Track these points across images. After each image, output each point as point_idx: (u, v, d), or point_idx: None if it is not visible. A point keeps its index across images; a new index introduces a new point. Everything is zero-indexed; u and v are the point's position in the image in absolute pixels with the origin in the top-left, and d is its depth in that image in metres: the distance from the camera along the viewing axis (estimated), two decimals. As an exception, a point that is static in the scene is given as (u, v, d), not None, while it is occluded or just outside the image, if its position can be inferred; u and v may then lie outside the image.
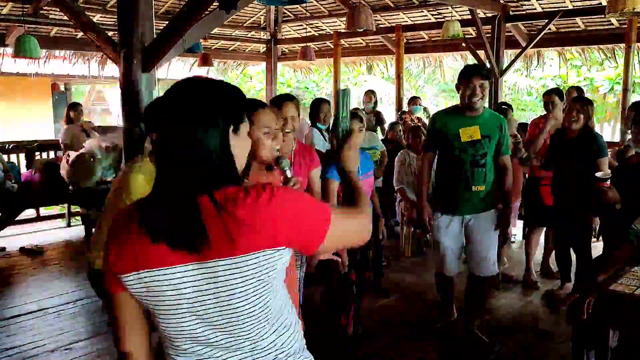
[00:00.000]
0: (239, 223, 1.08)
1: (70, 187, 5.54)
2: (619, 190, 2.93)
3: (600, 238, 4.22)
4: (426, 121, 6.75)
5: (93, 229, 3.72)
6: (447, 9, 7.60)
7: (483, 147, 3.24)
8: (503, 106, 5.48)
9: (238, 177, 1.19)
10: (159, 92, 3.86)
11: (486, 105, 3.36)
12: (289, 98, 2.79)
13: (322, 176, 2.92)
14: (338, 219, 1.20)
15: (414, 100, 7.71)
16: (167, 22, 3.66)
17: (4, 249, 5.73)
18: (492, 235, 3.39)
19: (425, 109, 7.60)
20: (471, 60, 9.08)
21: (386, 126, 7.02)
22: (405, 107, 8.26)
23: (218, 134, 1.14)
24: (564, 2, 6.91)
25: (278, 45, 10.50)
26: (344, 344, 3.35)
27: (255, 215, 1.09)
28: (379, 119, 7.36)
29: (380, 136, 7.23)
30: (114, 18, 7.42)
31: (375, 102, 7.59)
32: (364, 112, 7.72)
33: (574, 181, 3.79)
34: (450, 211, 3.36)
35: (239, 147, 1.20)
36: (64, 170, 5.49)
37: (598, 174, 3.12)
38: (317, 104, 4.93)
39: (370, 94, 7.75)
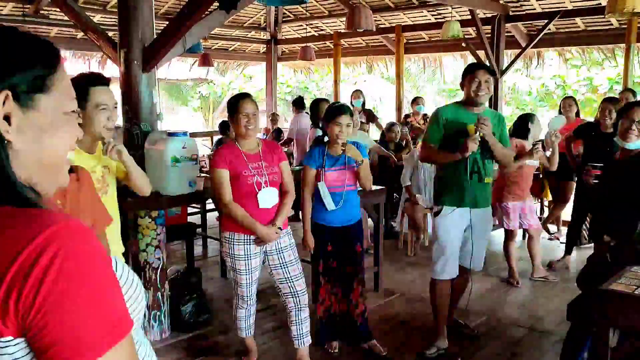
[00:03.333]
0: None
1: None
2: (617, 190, 2.92)
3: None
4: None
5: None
6: (447, 9, 7.60)
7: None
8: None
9: (15, 190, 0.74)
10: (159, 92, 3.87)
11: (486, 104, 3.36)
12: (247, 95, 3.04)
13: (302, 163, 3.43)
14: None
15: (416, 101, 7.72)
16: (167, 22, 3.66)
17: None
18: (489, 231, 3.55)
19: (424, 116, 7.58)
20: (471, 60, 9.08)
21: (381, 122, 7.02)
22: (406, 109, 8.27)
23: None
24: (564, 2, 6.91)
25: (278, 46, 10.50)
26: (317, 329, 3.44)
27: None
28: (370, 116, 7.34)
29: (375, 133, 7.23)
30: (114, 18, 7.42)
31: (364, 102, 7.52)
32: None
33: None
34: (456, 203, 3.25)
35: (31, 130, 0.76)
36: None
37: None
38: (317, 104, 5.01)
39: (357, 93, 7.71)
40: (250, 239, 2.98)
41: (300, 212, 3.48)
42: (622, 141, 2.87)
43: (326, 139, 3.29)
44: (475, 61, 8.04)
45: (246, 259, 2.99)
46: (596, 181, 4.28)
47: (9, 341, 0.68)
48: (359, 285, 3.46)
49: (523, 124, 4.68)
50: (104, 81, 2.31)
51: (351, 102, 7.13)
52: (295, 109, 7.28)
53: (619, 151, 2.96)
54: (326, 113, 3.31)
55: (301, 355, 3.18)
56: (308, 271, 3.82)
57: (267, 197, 2.98)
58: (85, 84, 2.23)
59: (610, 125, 4.49)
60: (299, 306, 3.10)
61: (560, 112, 6.17)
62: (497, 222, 4.74)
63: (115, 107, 2.33)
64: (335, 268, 3.39)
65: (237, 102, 2.95)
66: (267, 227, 2.95)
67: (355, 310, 3.46)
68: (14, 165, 0.75)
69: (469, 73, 3.21)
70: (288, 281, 3.08)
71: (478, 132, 3.06)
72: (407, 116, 7.69)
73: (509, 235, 4.79)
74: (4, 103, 0.74)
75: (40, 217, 0.70)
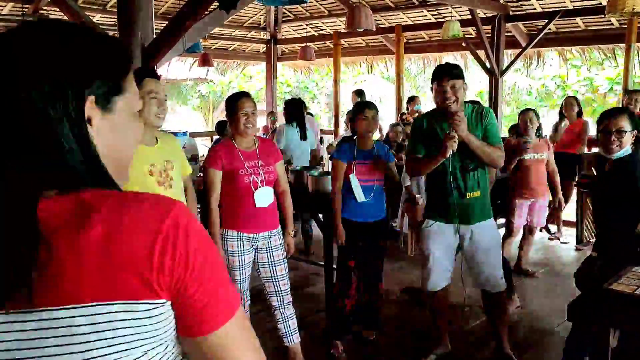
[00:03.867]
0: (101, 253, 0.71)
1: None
2: (611, 196, 2.88)
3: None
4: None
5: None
6: (447, 9, 7.60)
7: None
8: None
9: (106, 176, 0.79)
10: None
11: (489, 103, 3.32)
12: (246, 94, 3.07)
13: (330, 157, 3.56)
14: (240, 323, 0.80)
15: (414, 100, 7.72)
16: (167, 22, 3.66)
17: None
18: (496, 247, 3.19)
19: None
20: (471, 60, 9.08)
21: (383, 124, 7.03)
22: (404, 108, 8.26)
23: (61, 108, 0.74)
24: (564, 2, 6.91)
25: (278, 45, 10.49)
26: (342, 321, 3.52)
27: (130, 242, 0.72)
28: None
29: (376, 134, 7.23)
30: (114, 18, 7.42)
31: None
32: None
33: None
34: (444, 218, 3.11)
35: (110, 132, 0.80)
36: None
37: None
38: (291, 103, 5.61)
39: (356, 94, 7.72)
40: (242, 236, 3.01)
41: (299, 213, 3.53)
42: (606, 154, 2.78)
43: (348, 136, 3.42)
44: (475, 61, 8.04)
45: (240, 254, 3.03)
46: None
47: (161, 303, 0.74)
48: (380, 279, 3.61)
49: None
50: (155, 74, 2.54)
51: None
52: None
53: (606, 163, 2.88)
54: (353, 111, 3.54)
55: (294, 353, 3.21)
56: (302, 271, 3.80)
57: (264, 196, 3.00)
58: (140, 75, 2.42)
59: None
60: (283, 304, 3.14)
61: (561, 112, 6.18)
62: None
63: (166, 100, 2.51)
64: (361, 263, 3.48)
65: (236, 101, 2.97)
66: (285, 235, 3.17)
67: (379, 300, 3.62)
68: None
69: (435, 79, 3.00)
70: (274, 280, 3.12)
71: (452, 130, 2.86)
72: (402, 114, 7.70)
73: (510, 231, 4.74)
74: (89, 106, 0.77)
75: (158, 198, 0.79)
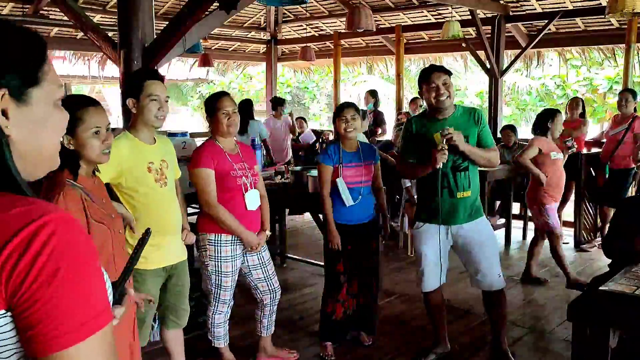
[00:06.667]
0: None
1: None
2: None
3: None
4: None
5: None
6: (447, 9, 7.60)
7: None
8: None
9: (14, 180, 0.77)
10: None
11: (452, 108, 3.10)
12: (225, 94, 3.02)
13: (315, 160, 3.40)
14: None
15: (415, 101, 7.73)
16: (167, 22, 3.66)
17: None
18: (491, 245, 3.18)
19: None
20: (471, 61, 9.09)
21: (387, 127, 7.03)
22: (405, 108, 8.27)
23: None
24: (564, 2, 6.91)
25: (278, 46, 10.49)
26: (332, 326, 3.43)
27: None
28: (377, 119, 7.37)
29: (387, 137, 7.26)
30: (114, 18, 7.42)
31: (376, 103, 7.62)
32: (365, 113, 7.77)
33: None
34: (434, 219, 3.09)
35: (27, 123, 0.79)
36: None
37: None
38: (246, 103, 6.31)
39: (369, 95, 7.76)
40: (235, 240, 2.95)
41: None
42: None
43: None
44: (475, 61, 8.04)
45: (232, 259, 2.97)
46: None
47: (2, 315, 0.70)
48: (376, 281, 3.52)
49: (543, 121, 4.51)
50: (157, 76, 2.54)
51: (364, 105, 7.33)
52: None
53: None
54: (334, 112, 3.44)
55: (265, 343, 3.26)
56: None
57: (254, 199, 2.97)
58: (141, 77, 2.49)
59: None
60: (275, 301, 3.18)
61: (566, 112, 6.18)
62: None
63: (167, 101, 2.54)
64: (354, 267, 3.40)
65: (215, 101, 2.92)
66: (256, 234, 3.00)
67: (374, 304, 3.54)
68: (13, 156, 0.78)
69: (424, 80, 3.00)
70: (267, 279, 3.12)
71: (443, 143, 2.86)
72: (399, 113, 7.70)
73: (553, 237, 4.52)
74: (1, 99, 0.76)
75: (38, 205, 0.74)
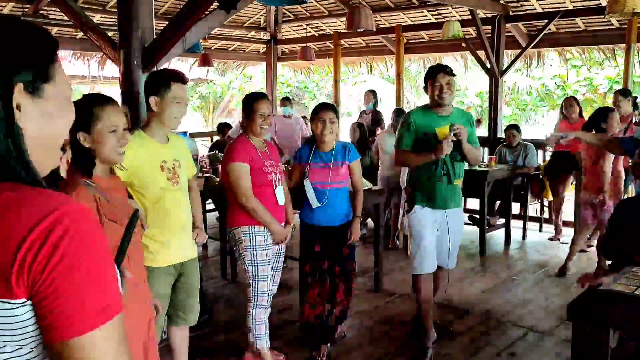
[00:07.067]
0: None
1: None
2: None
3: None
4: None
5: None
6: (447, 9, 7.59)
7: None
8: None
9: (29, 169, 0.81)
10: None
11: (451, 105, 3.38)
12: (264, 96, 3.13)
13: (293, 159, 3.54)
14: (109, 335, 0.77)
15: (367, 94, 7.89)
16: (167, 22, 3.66)
17: None
18: (461, 230, 3.61)
19: None
20: (471, 61, 9.08)
21: (386, 127, 7.02)
22: (405, 108, 8.26)
23: None
24: (564, 2, 6.91)
25: (278, 46, 10.49)
26: (307, 329, 3.47)
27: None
28: (375, 119, 7.37)
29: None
30: (114, 18, 7.42)
31: (375, 103, 7.62)
32: (364, 113, 7.78)
33: None
34: (432, 204, 3.35)
35: (39, 117, 0.82)
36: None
37: None
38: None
39: (369, 94, 7.76)
40: (266, 231, 3.06)
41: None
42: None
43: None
44: (475, 61, 8.04)
45: (266, 248, 3.06)
46: None
47: (21, 303, 0.74)
48: (343, 284, 3.42)
49: (596, 121, 4.50)
50: (182, 79, 2.59)
51: (364, 106, 7.35)
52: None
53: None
54: (312, 112, 3.43)
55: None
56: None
57: (282, 194, 3.10)
58: (168, 78, 2.53)
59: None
60: (272, 293, 3.24)
61: (561, 112, 6.17)
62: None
63: (187, 104, 2.64)
64: (325, 270, 3.37)
65: (253, 102, 3.02)
66: (285, 227, 3.14)
67: (337, 307, 3.42)
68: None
69: (430, 77, 3.28)
70: (274, 270, 3.21)
71: (452, 136, 3.14)
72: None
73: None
74: (17, 93, 0.79)
75: (55, 197, 0.78)
